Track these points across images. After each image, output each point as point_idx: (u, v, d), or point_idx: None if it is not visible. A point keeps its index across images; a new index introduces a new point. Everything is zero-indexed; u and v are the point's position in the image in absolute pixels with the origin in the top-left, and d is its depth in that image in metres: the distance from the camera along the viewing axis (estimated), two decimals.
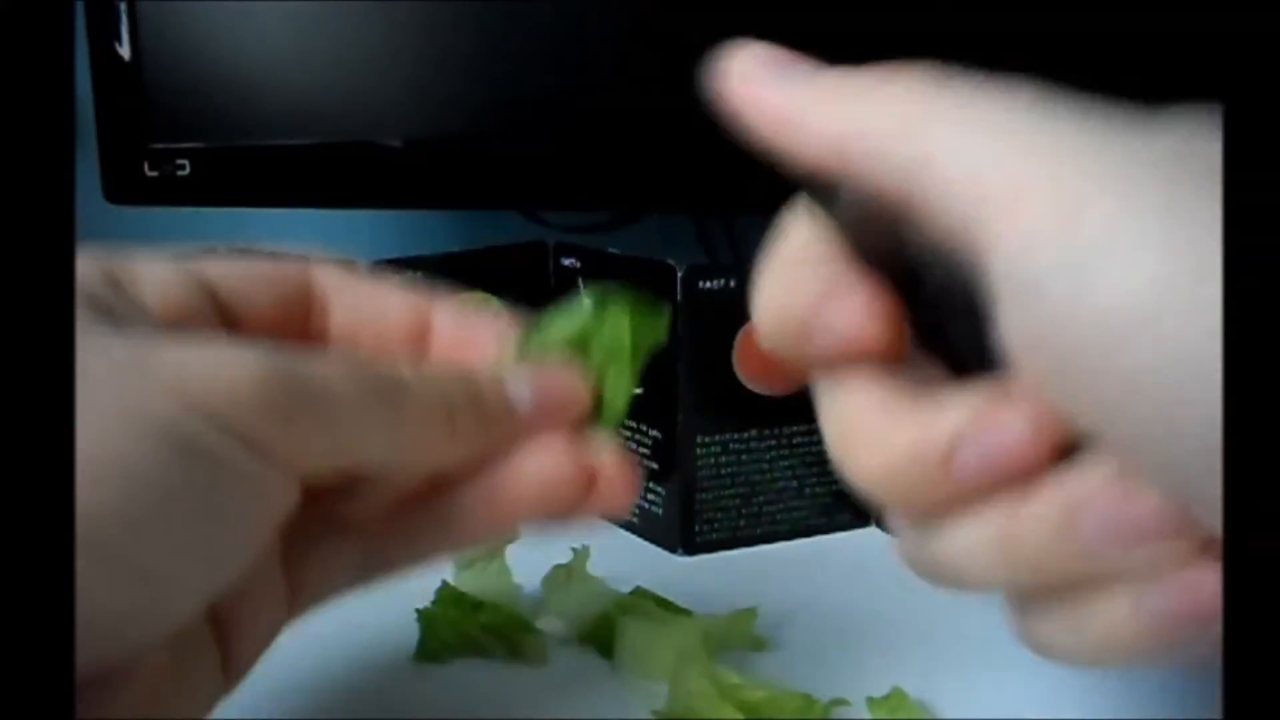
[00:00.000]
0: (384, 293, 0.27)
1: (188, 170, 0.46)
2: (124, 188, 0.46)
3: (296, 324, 0.26)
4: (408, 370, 0.23)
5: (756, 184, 0.46)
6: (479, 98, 0.45)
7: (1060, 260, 0.18)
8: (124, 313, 0.22)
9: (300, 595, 0.24)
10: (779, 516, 0.45)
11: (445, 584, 0.36)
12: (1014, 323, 0.19)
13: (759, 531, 0.44)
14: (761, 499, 0.44)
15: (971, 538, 0.21)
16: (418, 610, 0.34)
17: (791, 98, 0.23)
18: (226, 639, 0.23)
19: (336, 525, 0.25)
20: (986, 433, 0.20)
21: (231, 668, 0.23)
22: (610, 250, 0.44)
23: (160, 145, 0.46)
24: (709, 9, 0.44)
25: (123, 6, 0.45)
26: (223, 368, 0.20)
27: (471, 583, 0.36)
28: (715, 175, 0.45)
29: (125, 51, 0.45)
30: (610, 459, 0.25)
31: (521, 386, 0.25)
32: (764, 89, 0.24)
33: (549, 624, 0.36)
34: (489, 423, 0.24)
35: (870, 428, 0.22)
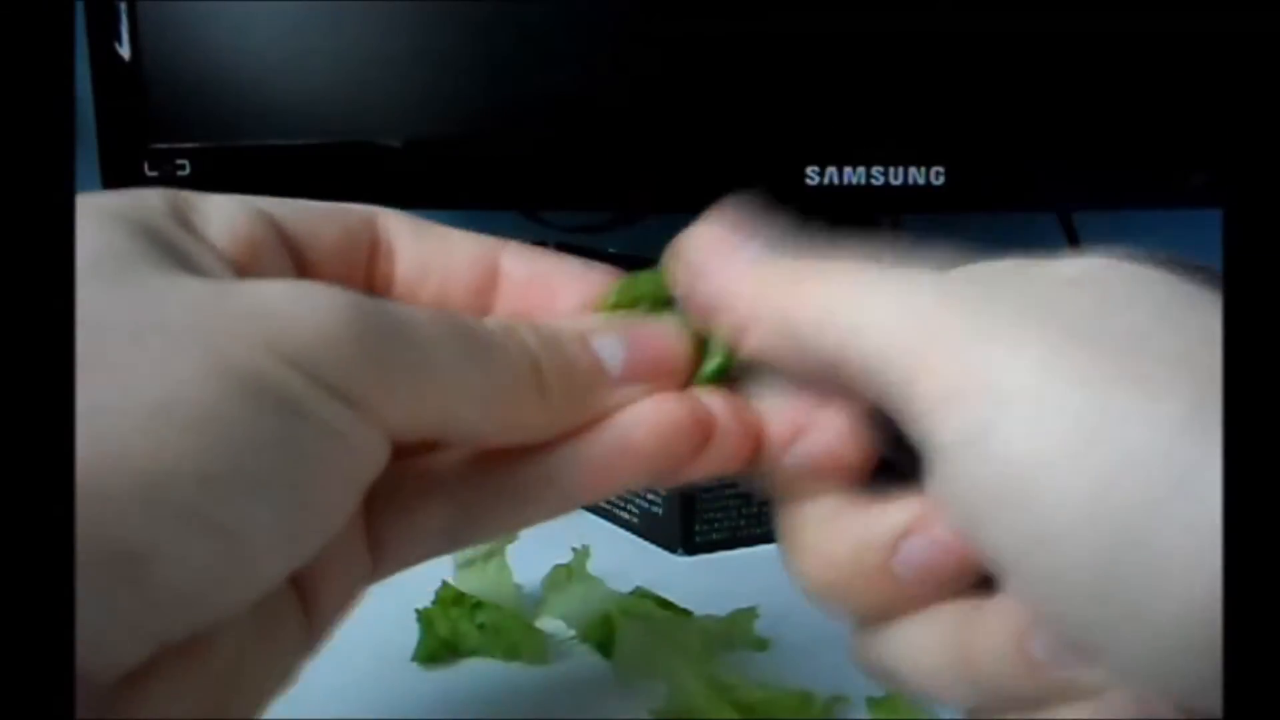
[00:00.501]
0: (452, 239, 0.26)
1: (188, 170, 0.46)
2: (124, 188, 0.46)
3: (362, 268, 0.25)
4: (494, 324, 0.22)
5: (757, 184, 0.46)
6: (479, 98, 0.45)
7: (958, 428, 0.19)
8: (192, 250, 0.20)
9: (383, 556, 0.23)
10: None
11: (445, 584, 0.36)
12: (932, 479, 0.20)
13: (759, 531, 0.44)
14: (761, 499, 0.44)
15: (922, 644, 0.22)
16: (418, 610, 0.34)
17: (733, 287, 0.24)
18: (308, 601, 0.21)
19: (422, 483, 0.23)
20: (928, 530, 0.21)
21: (314, 631, 0.22)
22: (610, 250, 0.44)
23: (160, 145, 0.46)
24: (709, 9, 0.43)
25: (123, 6, 0.45)
26: (311, 310, 0.18)
27: (471, 583, 0.36)
28: (715, 175, 0.45)
29: (125, 51, 0.45)
30: (728, 408, 0.23)
31: (613, 345, 0.23)
32: (712, 272, 0.24)
33: (549, 624, 0.36)
34: (578, 383, 0.22)
35: (817, 531, 0.23)
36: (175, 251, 0.20)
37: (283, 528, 0.18)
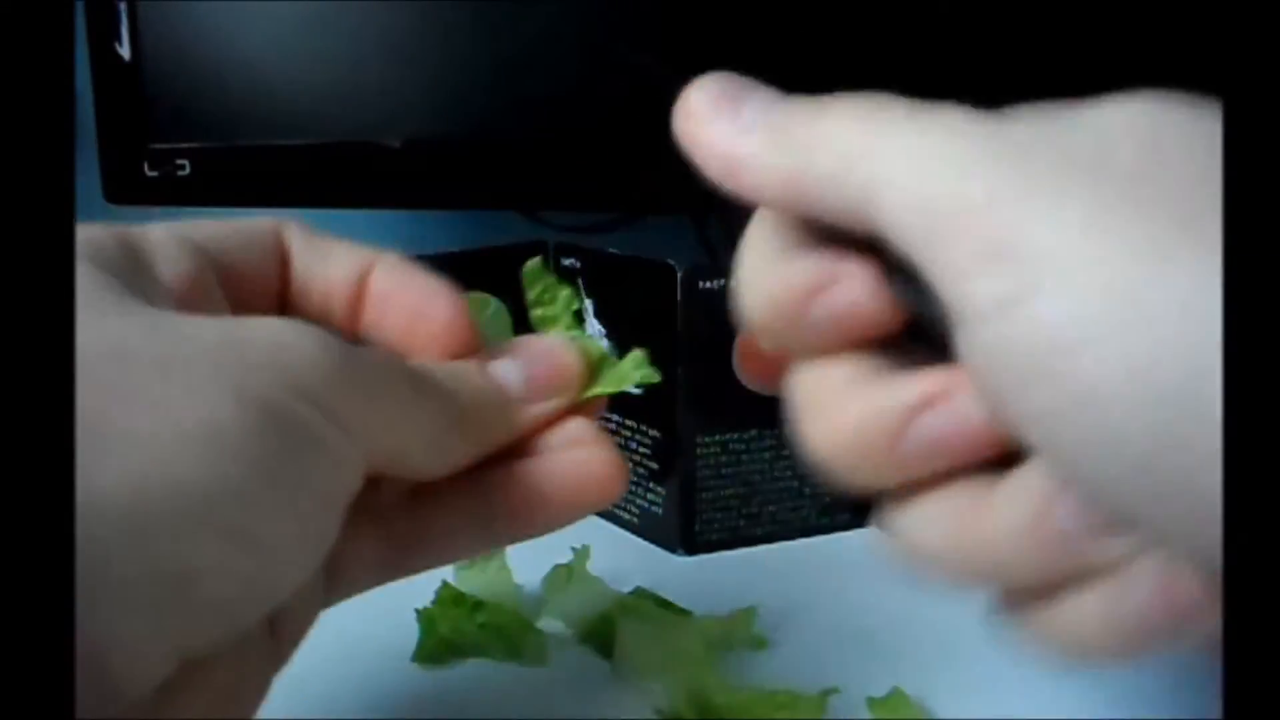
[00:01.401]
0: (332, 252, 0.27)
1: (188, 170, 0.46)
2: (124, 188, 0.46)
3: (276, 283, 0.26)
4: (427, 363, 0.23)
5: None
6: (479, 98, 0.45)
7: (994, 292, 0.18)
8: (148, 290, 0.22)
9: (334, 584, 0.24)
10: (779, 516, 0.45)
11: (445, 584, 0.36)
12: (962, 345, 0.19)
13: (759, 531, 0.44)
14: (761, 499, 0.44)
15: (934, 522, 0.21)
16: (418, 610, 0.34)
17: (738, 139, 0.23)
18: (276, 627, 0.23)
19: (361, 516, 0.24)
20: (938, 411, 0.20)
21: (279, 652, 0.23)
22: (610, 250, 0.44)
23: (160, 145, 0.46)
24: (708, 9, 0.44)
25: (123, 6, 0.45)
26: (310, 346, 0.20)
27: (471, 583, 0.36)
28: None
29: (125, 51, 0.45)
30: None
31: (510, 368, 0.25)
32: (713, 129, 0.23)
33: (549, 624, 0.36)
34: (489, 412, 0.24)
35: (829, 398, 0.22)
36: (139, 289, 0.21)
37: (302, 540, 0.20)
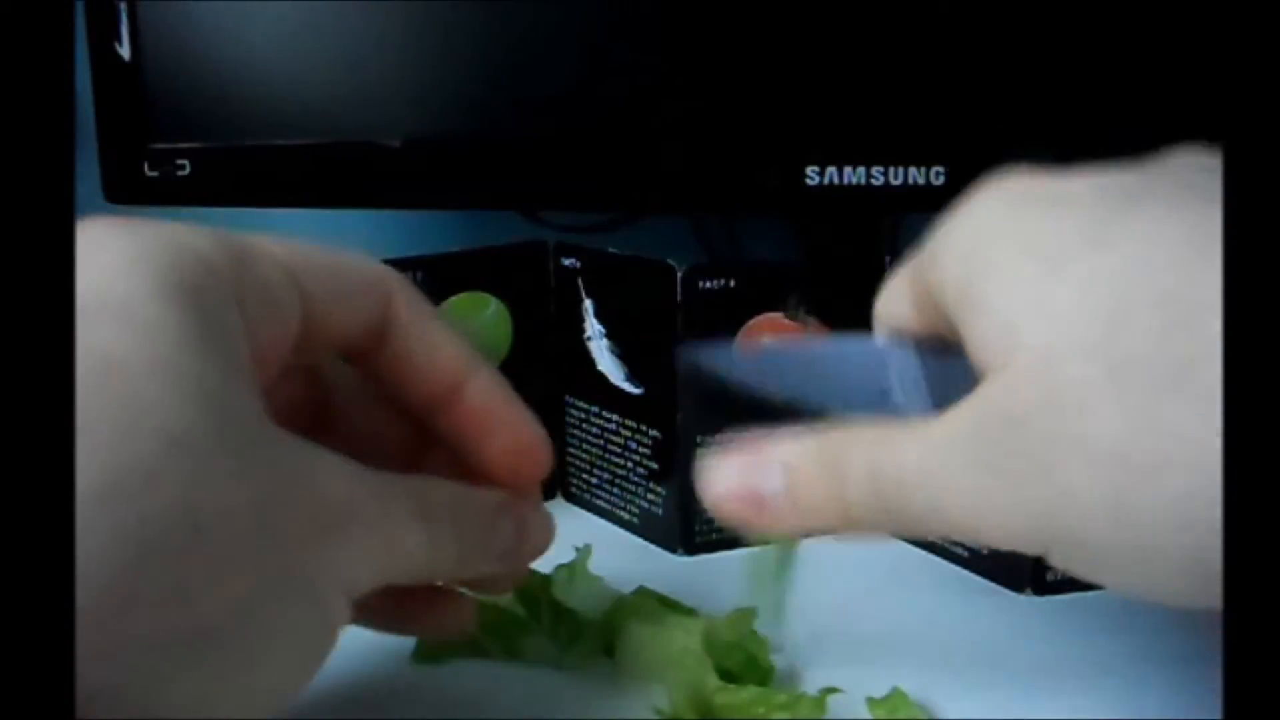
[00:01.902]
0: (437, 337, 0.29)
1: (188, 170, 0.46)
2: (124, 188, 0.46)
3: (366, 337, 0.28)
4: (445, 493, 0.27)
5: (757, 184, 0.47)
6: (479, 97, 0.45)
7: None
8: (232, 350, 0.23)
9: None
10: None
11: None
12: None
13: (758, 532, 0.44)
14: None
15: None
16: None
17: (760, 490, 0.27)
18: None
19: None
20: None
21: None
22: (610, 250, 0.44)
23: (160, 145, 0.46)
24: (709, 9, 0.43)
25: (123, 6, 0.45)
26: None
27: None
28: (715, 175, 0.45)
29: (125, 51, 0.45)
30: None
31: (508, 532, 0.28)
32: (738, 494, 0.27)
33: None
34: (486, 557, 0.28)
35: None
36: (223, 347, 0.22)
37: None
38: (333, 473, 0.23)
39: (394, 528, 0.24)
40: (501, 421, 0.29)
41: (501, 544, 0.28)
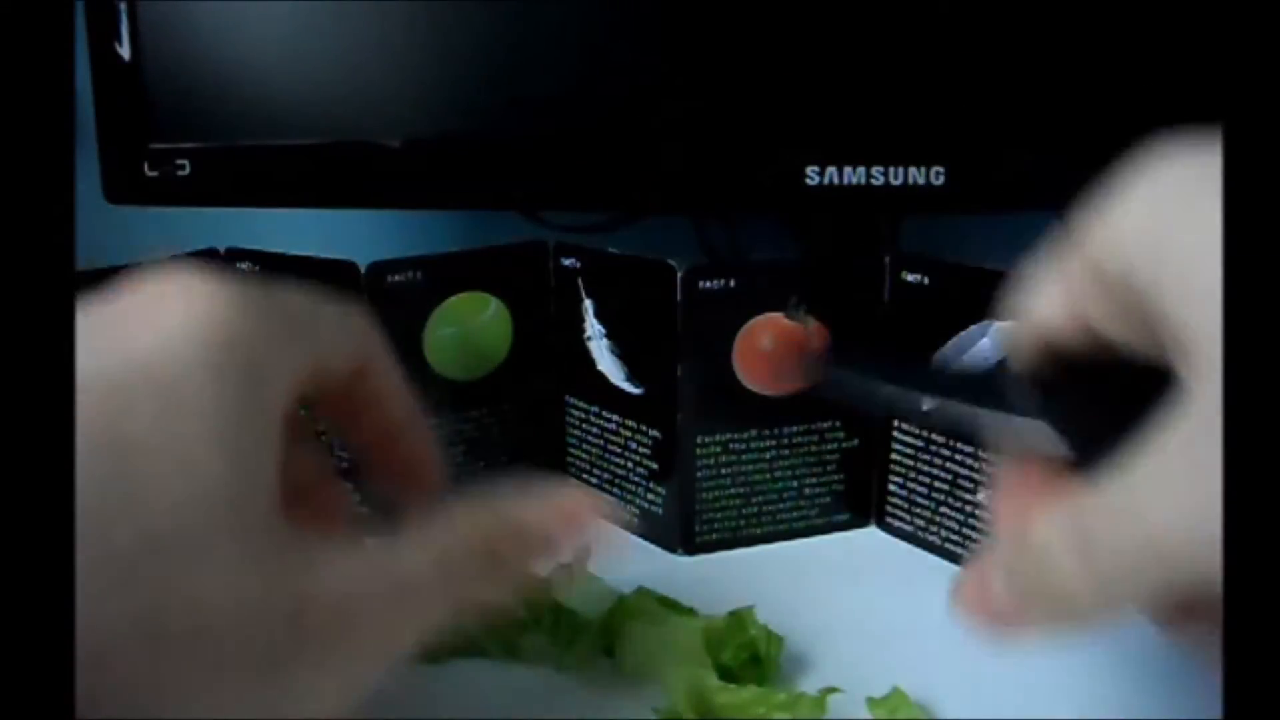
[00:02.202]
0: (398, 394, 0.29)
1: (188, 170, 0.46)
2: (124, 188, 0.46)
3: (341, 385, 0.28)
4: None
5: (757, 184, 0.47)
6: (479, 97, 0.45)
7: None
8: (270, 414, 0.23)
9: None
10: (779, 516, 0.45)
11: None
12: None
13: (759, 531, 0.44)
14: (761, 499, 0.44)
15: None
16: None
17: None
18: None
19: None
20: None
21: None
22: (610, 250, 0.44)
23: (160, 145, 0.46)
24: (709, 9, 0.43)
25: (123, 6, 0.45)
26: None
27: None
28: (715, 175, 0.45)
29: (125, 51, 0.45)
30: None
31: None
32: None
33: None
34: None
35: None
36: (253, 428, 0.22)
37: None
38: (344, 575, 0.22)
39: (413, 618, 0.24)
40: (419, 462, 0.30)
41: (536, 553, 0.27)
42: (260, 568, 0.21)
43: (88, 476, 0.19)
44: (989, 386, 0.25)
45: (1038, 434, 0.23)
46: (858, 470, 0.45)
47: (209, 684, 0.20)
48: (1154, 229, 0.21)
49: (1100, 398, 0.22)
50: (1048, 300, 0.24)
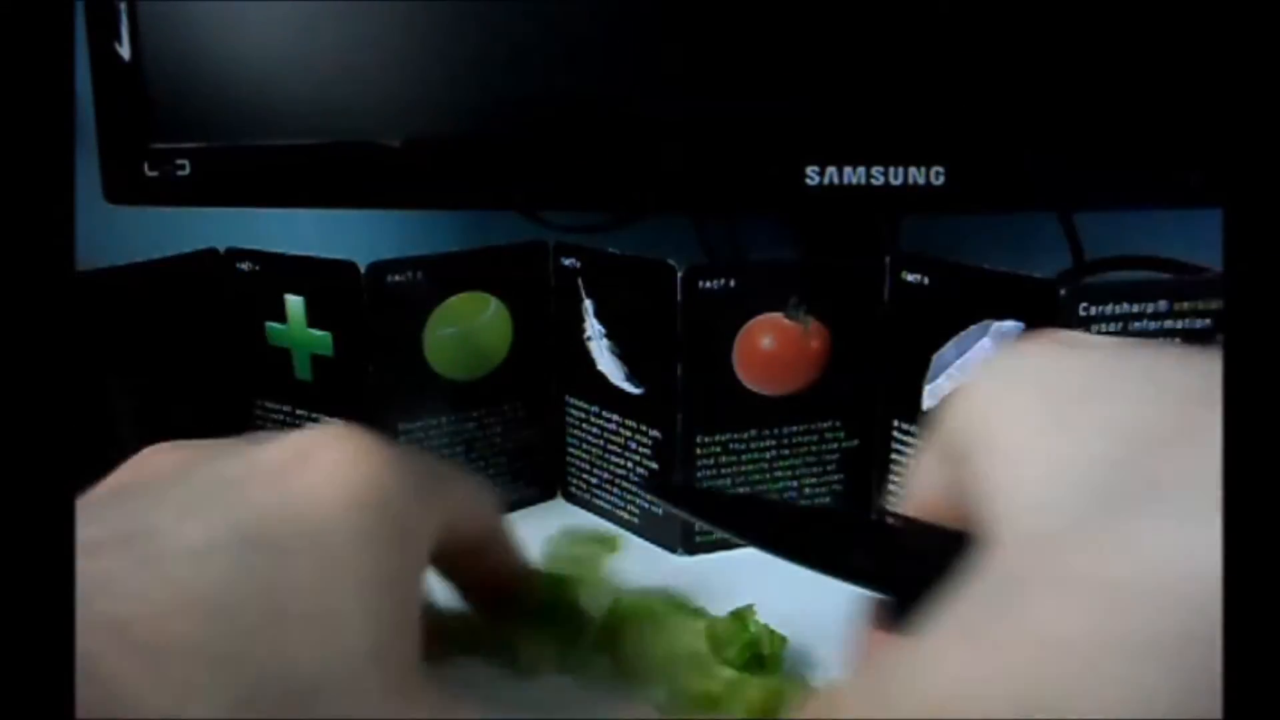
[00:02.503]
0: (510, 554, 0.32)
1: (188, 170, 0.46)
2: (124, 188, 0.46)
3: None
4: None
5: (757, 184, 0.47)
6: (479, 98, 0.45)
7: None
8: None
9: None
10: None
11: None
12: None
13: None
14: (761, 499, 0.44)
15: None
16: None
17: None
18: None
19: None
20: None
21: None
22: (610, 250, 0.44)
23: (160, 145, 0.46)
24: (709, 9, 0.43)
25: (123, 6, 0.45)
26: None
27: None
28: (715, 175, 0.45)
29: (125, 51, 0.45)
30: None
31: None
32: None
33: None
34: None
35: None
36: (400, 593, 0.24)
37: None
38: None
39: None
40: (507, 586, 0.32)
41: None
42: (404, 715, 0.22)
43: (242, 628, 0.20)
44: (828, 543, 0.27)
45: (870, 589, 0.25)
46: (858, 470, 0.45)
47: None
48: (985, 421, 0.23)
49: (925, 565, 0.23)
50: (921, 475, 0.27)
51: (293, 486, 0.23)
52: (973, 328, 0.39)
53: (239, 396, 0.47)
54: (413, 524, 0.24)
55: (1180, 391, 0.20)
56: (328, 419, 0.45)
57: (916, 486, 0.27)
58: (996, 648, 0.19)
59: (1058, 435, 0.21)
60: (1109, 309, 0.36)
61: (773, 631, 0.34)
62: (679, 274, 0.41)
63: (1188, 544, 0.18)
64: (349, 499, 0.23)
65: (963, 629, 0.20)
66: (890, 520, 0.27)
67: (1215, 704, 0.17)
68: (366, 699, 0.21)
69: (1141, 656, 0.18)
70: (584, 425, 0.47)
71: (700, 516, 0.31)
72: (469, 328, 0.45)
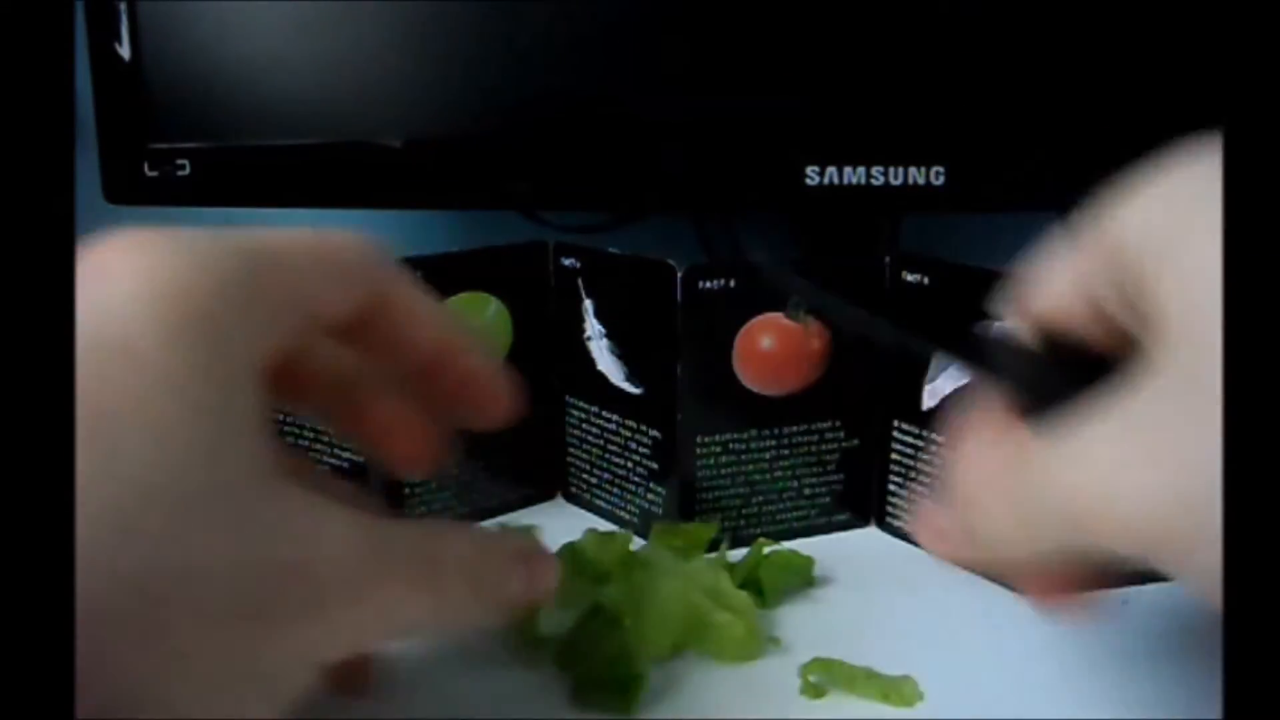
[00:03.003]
0: (425, 314, 0.29)
1: (188, 170, 0.46)
2: (124, 188, 0.46)
3: (361, 318, 0.27)
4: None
5: (757, 184, 0.46)
6: (479, 98, 0.45)
7: None
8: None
9: None
10: (779, 516, 0.45)
11: None
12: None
13: (759, 532, 0.44)
14: (761, 499, 0.44)
15: None
16: None
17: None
18: None
19: None
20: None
21: None
22: (610, 250, 0.44)
23: (160, 145, 0.46)
24: (709, 9, 0.43)
25: (123, 6, 0.45)
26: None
27: None
28: (715, 175, 0.45)
29: (125, 51, 0.45)
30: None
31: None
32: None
33: (548, 624, 0.36)
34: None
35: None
36: (226, 383, 0.22)
37: None
38: (334, 537, 0.22)
39: (395, 595, 0.24)
40: (478, 383, 0.30)
41: (511, 594, 0.28)
42: (241, 528, 0.21)
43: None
44: (968, 339, 0.27)
45: (1001, 387, 0.25)
46: (858, 470, 0.45)
47: (197, 641, 0.20)
48: (1163, 219, 0.22)
49: (1065, 373, 0.23)
50: (1059, 272, 0.26)
51: (86, 299, 0.21)
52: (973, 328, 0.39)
53: None
54: (226, 317, 0.22)
55: None
56: None
57: (1052, 289, 0.26)
58: (1167, 447, 0.19)
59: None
60: None
61: (798, 555, 0.37)
62: (679, 274, 0.41)
63: None
64: (144, 300, 0.21)
65: (1132, 427, 0.20)
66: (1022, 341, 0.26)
67: None
68: (200, 507, 0.20)
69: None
70: (584, 425, 0.47)
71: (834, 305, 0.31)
72: (469, 328, 0.45)
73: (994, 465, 0.24)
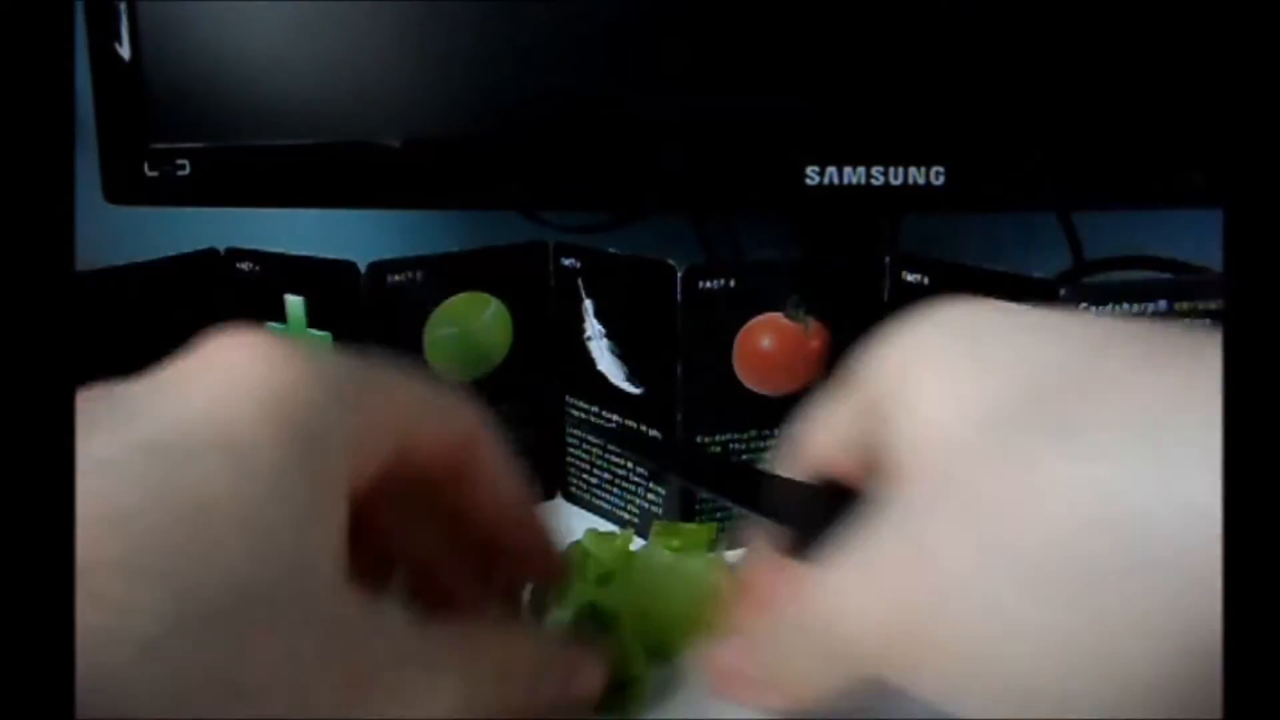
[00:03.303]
0: (504, 478, 0.30)
1: (188, 170, 0.46)
2: (124, 188, 0.46)
3: (446, 471, 0.28)
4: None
5: (757, 184, 0.47)
6: (479, 98, 0.45)
7: None
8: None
9: None
10: None
11: None
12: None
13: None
14: None
15: None
16: None
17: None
18: None
19: None
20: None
21: None
22: (610, 250, 0.44)
23: (160, 145, 0.46)
24: (709, 9, 0.44)
25: (123, 6, 0.45)
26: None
27: None
28: (715, 175, 0.45)
29: (125, 51, 0.45)
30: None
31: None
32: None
33: (550, 623, 0.36)
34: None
35: None
36: (317, 491, 0.22)
37: None
38: (386, 632, 0.23)
39: (431, 688, 0.24)
40: (535, 548, 0.31)
41: (546, 695, 0.27)
42: (317, 632, 0.21)
43: (167, 539, 0.19)
44: (749, 485, 0.28)
45: (778, 527, 0.26)
46: None
47: None
48: (898, 367, 0.24)
49: (829, 509, 0.24)
50: (826, 421, 0.27)
51: (194, 391, 0.22)
52: None
53: None
54: (329, 425, 0.23)
55: (1092, 340, 0.21)
56: None
57: (820, 438, 0.27)
58: (882, 571, 0.21)
59: (970, 380, 0.22)
60: (1109, 309, 0.36)
61: None
62: (679, 274, 0.41)
63: (1087, 482, 0.18)
64: (252, 398, 0.22)
65: (858, 555, 0.22)
66: (788, 478, 0.27)
67: (1083, 636, 0.18)
68: (299, 605, 0.20)
69: (1021, 584, 0.19)
70: (584, 425, 0.47)
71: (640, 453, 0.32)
72: (469, 328, 0.45)
73: (777, 602, 0.25)
